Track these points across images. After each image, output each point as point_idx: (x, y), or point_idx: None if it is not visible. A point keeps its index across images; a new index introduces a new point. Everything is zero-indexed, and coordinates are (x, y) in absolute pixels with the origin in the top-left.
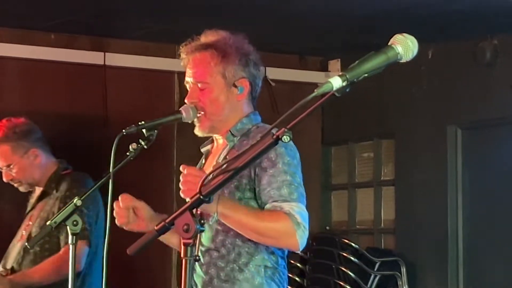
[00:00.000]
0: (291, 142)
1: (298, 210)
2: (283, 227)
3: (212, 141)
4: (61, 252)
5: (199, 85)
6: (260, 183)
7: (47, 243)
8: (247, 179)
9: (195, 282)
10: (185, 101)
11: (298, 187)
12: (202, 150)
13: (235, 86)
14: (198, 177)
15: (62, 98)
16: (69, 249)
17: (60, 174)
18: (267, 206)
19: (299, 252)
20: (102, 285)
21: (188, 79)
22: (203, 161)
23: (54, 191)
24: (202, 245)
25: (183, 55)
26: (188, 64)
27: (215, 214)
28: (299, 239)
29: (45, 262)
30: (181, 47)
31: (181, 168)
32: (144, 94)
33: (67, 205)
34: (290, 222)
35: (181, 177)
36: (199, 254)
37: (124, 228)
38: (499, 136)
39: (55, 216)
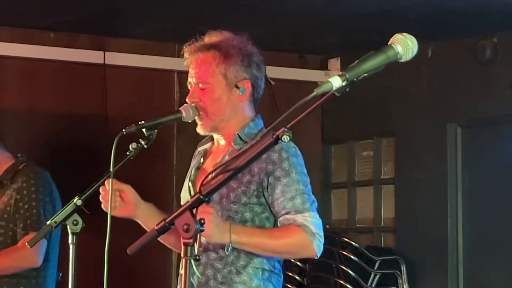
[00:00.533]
0: (297, 150)
1: (311, 220)
2: (299, 241)
3: (211, 140)
4: (18, 245)
5: (201, 85)
6: (273, 192)
7: (1, 235)
8: (256, 186)
9: (191, 282)
10: (186, 100)
11: (310, 195)
12: (200, 148)
13: (237, 87)
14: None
15: (62, 97)
16: (26, 243)
17: (17, 167)
18: (281, 219)
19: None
20: (56, 278)
21: (190, 79)
22: (201, 160)
23: (9, 183)
24: (200, 246)
25: (186, 55)
26: (191, 64)
27: (230, 244)
28: (316, 248)
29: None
30: (184, 47)
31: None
32: (144, 93)
33: (67, 205)
34: (305, 234)
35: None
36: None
37: (113, 214)
38: (499, 134)
39: (55, 215)
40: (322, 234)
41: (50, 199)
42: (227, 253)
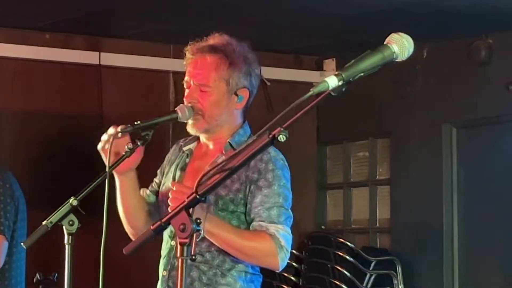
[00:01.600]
0: (285, 162)
1: (283, 233)
2: (266, 248)
3: (196, 140)
4: None
5: (202, 87)
6: (253, 200)
7: None
8: (243, 194)
9: (172, 280)
10: (184, 99)
11: (287, 211)
12: (185, 148)
13: (236, 95)
14: (186, 193)
15: (57, 98)
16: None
17: None
18: (254, 224)
19: (294, 251)
20: (24, 279)
21: (188, 78)
22: (187, 160)
23: None
24: (196, 246)
25: (188, 55)
26: (192, 63)
27: (202, 232)
28: (280, 261)
29: None
30: (188, 46)
31: (170, 185)
32: (139, 94)
33: (63, 205)
34: (273, 244)
35: (170, 194)
36: (174, 251)
37: (104, 155)
38: (494, 134)
39: (50, 216)
40: (289, 249)
41: (12, 200)
42: (197, 240)
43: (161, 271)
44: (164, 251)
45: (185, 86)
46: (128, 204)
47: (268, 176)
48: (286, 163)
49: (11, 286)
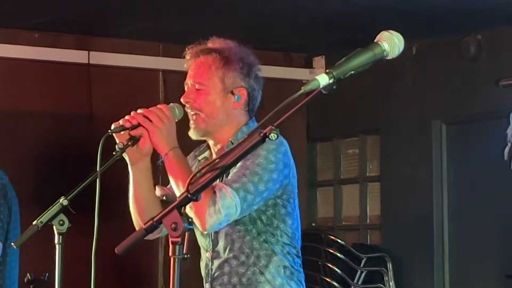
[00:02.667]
0: (279, 146)
1: (227, 195)
2: (200, 201)
3: (208, 148)
4: None
5: (197, 86)
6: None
7: None
8: None
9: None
10: (181, 100)
11: (249, 185)
12: (200, 157)
13: (233, 94)
14: (166, 117)
15: (46, 97)
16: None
17: None
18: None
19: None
20: (18, 279)
21: (188, 80)
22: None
23: None
24: (219, 256)
25: (187, 57)
26: (191, 66)
27: (163, 158)
28: (208, 218)
29: None
30: (186, 49)
31: (159, 105)
32: (128, 93)
33: (53, 205)
34: (208, 199)
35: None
36: (212, 263)
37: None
38: (484, 131)
39: (41, 215)
40: (223, 212)
41: (5, 201)
42: (157, 164)
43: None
44: (202, 263)
45: (186, 89)
46: (138, 196)
47: (249, 156)
48: (280, 147)
49: (6, 286)
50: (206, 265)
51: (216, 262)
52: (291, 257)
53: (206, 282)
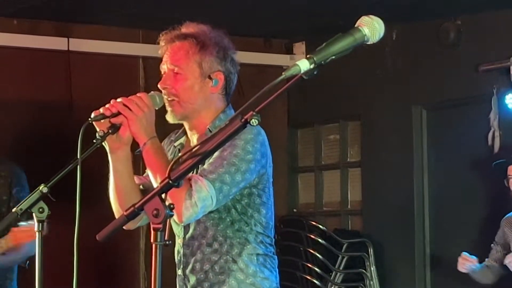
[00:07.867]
0: (256, 136)
1: (203, 188)
2: (175, 192)
3: (185, 134)
4: None
5: (175, 69)
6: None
7: None
8: None
9: (188, 278)
10: (158, 86)
11: (225, 176)
12: (176, 143)
13: (210, 78)
14: (145, 106)
15: (26, 84)
16: None
17: None
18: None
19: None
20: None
21: (164, 66)
22: (179, 155)
23: None
24: (191, 243)
25: (162, 43)
26: (166, 51)
27: (141, 148)
28: (185, 211)
29: None
30: (160, 35)
31: (138, 94)
32: (108, 80)
33: (33, 192)
34: (184, 192)
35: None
36: (184, 249)
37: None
38: (464, 116)
39: (21, 202)
40: (200, 205)
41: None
42: (135, 153)
43: (178, 270)
44: (175, 250)
45: (162, 74)
46: (118, 184)
47: (227, 145)
48: (258, 137)
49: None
50: (178, 251)
51: (188, 249)
52: (264, 246)
53: (178, 269)
